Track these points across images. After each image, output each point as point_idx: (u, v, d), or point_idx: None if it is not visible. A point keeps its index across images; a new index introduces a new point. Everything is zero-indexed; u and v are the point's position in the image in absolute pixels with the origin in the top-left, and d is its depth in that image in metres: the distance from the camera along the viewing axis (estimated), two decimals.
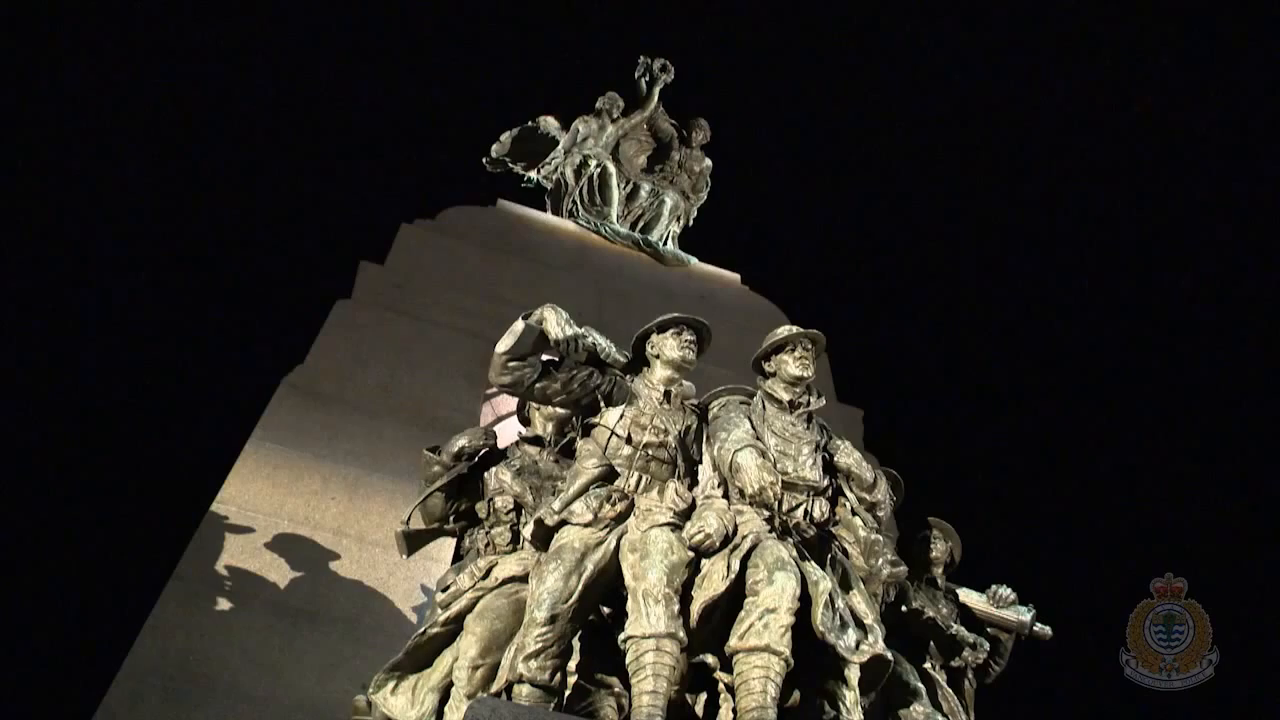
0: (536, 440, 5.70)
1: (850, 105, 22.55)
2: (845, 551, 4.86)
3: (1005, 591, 5.93)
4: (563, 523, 4.58)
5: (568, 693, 4.36)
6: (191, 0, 20.46)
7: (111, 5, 18.76)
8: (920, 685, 5.14)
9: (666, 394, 5.03)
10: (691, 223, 12.34)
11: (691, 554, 4.42)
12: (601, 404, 4.91)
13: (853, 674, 4.28)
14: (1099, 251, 21.73)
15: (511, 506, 5.33)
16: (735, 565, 4.32)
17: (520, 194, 12.00)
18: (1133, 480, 18.19)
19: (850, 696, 4.28)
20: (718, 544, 4.41)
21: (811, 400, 5.21)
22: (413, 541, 5.66)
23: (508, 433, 5.99)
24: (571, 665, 4.41)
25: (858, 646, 4.30)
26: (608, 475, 4.75)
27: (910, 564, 5.45)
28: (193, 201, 18.76)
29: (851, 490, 5.03)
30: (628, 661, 4.16)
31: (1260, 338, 18.77)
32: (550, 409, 5.51)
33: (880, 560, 4.86)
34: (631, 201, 11.89)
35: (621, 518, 4.58)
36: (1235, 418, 18.82)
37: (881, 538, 4.96)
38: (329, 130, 20.65)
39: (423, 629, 4.95)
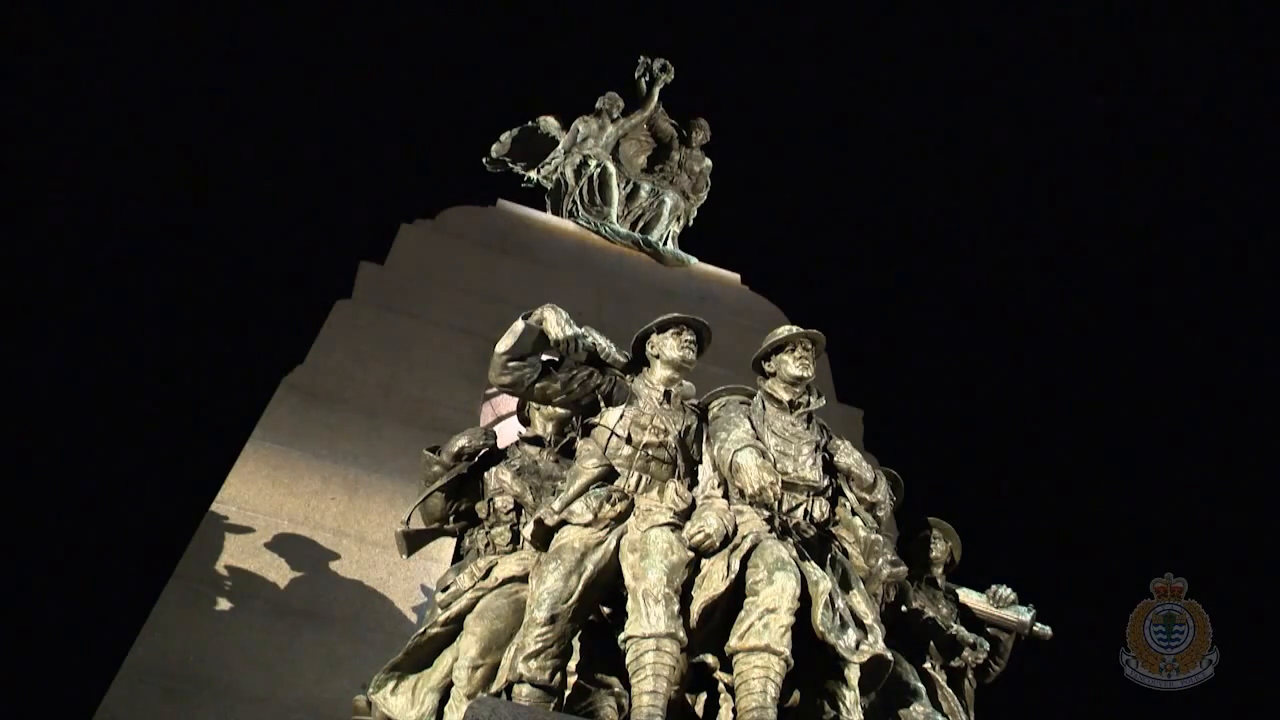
0: (536, 440, 5.70)
1: (850, 105, 22.57)
2: (845, 551, 4.85)
3: (1005, 591, 5.92)
4: (563, 523, 4.57)
5: (568, 693, 4.36)
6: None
7: (114, 3, 18.78)
8: (920, 685, 5.13)
9: (666, 394, 5.03)
10: (691, 223, 12.35)
11: (691, 554, 4.42)
12: (601, 404, 4.90)
13: (853, 674, 4.28)
14: (1099, 251, 21.74)
15: (511, 506, 5.33)
16: (735, 565, 4.32)
17: (520, 194, 12.01)
18: (1133, 480, 18.20)
19: (850, 696, 4.28)
20: (718, 544, 4.41)
21: (811, 400, 5.21)
22: (413, 541, 5.66)
23: (508, 433, 5.98)
24: (571, 665, 4.40)
25: (858, 646, 4.30)
26: (608, 475, 4.74)
27: (910, 564, 5.45)
28: (193, 202, 18.78)
29: (851, 490, 5.03)
30: (628, 661, 4.16)
31: (1260, 337, 18.78)
32: (550, 409, 5.50)
33: (880, 560, 4.85)
34: (631, 201, 11.90)
35: (621, 518, 4.57)
36: (1235, 418, 18.83)
37: (881, 538, 4.95)
38: (329, 130, 20.66)
39: (422, 629, 4.95)
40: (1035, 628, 5.86)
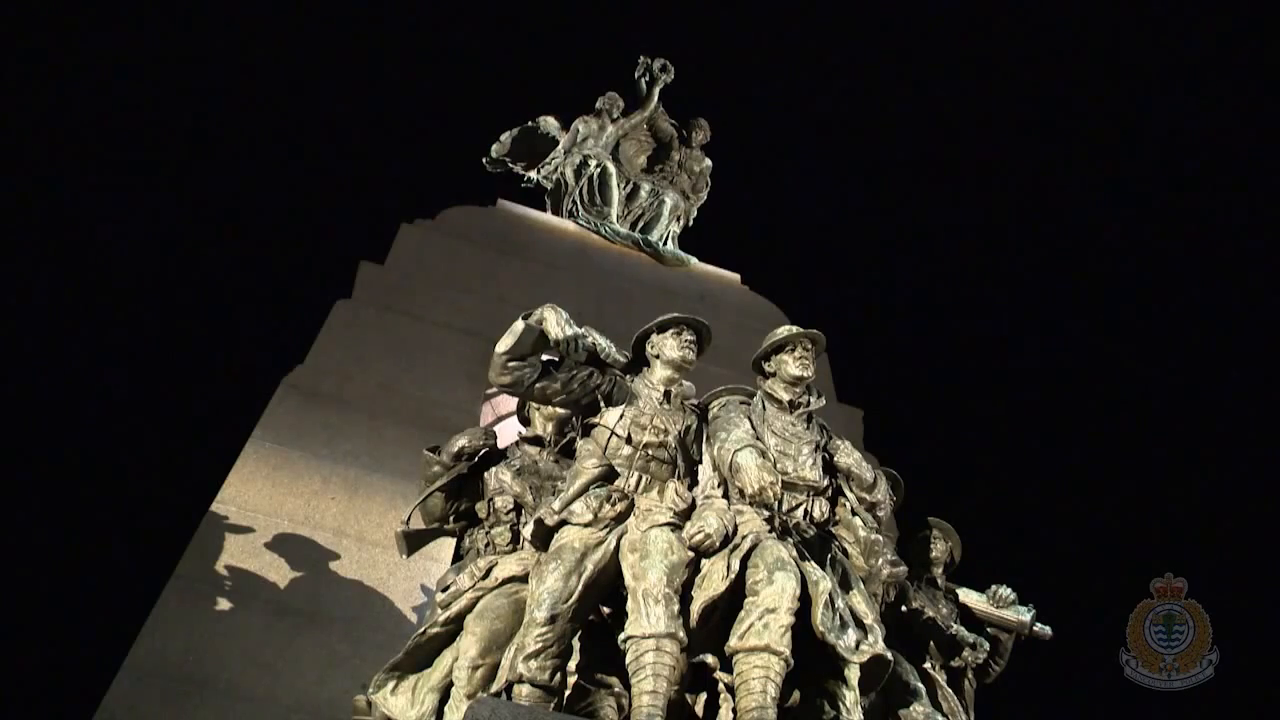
0: (536, 440, 5.70)
1: (850, 105, 22.57)
2: (845, 551, 4.86)
3: (1005, 591, 5.93)
4: (563, 523, 4.58)
5: (568, 693, 4.36)
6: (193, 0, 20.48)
7: (114, 5, 18.78)
8: (920, 685, 5.13)
9: (666, 394, 5.03)
10: (691, 223, 12.34)
11: (691, 554, 4.42)
12: (601, 404, 4.91)
13: (853, 674, 4.28)
14: (1098, 251, 21.75)
15: (511, 506, 5.33)
16: (735, 565, 4.32)
17: (520, 194, 12.00)
18: (1133, 480, 18.19)
19: (850, 696, 4.28)
20: (718, 544, 4.41)
21: (811, 400, 5.21)
22: (413, 541, 5.66)
23: (508, 433, 5.99)
24: (571, 665, 4.41)
25: (858, 646, 4.30)
26: (608, 475, 4.75)
27: (910, 564, 5.46)
28: (193, 202, 18.79)
29: (851, 490, 5.03)
30: (628, 661, 4.16)
31: (1259, 337, 18.78)
32: (550, 409, 5.51)
33: (880, 560, 4.86)
34: (631, 201, 11.89)
35: (621, 518, 4.58)
36: (1235, 417, 18.83)
37: (881, 538, 4.96)
38: (329, 130, 20.67)
39: (423, 629, 4.95)
40: (1035, 628, 5.86)
